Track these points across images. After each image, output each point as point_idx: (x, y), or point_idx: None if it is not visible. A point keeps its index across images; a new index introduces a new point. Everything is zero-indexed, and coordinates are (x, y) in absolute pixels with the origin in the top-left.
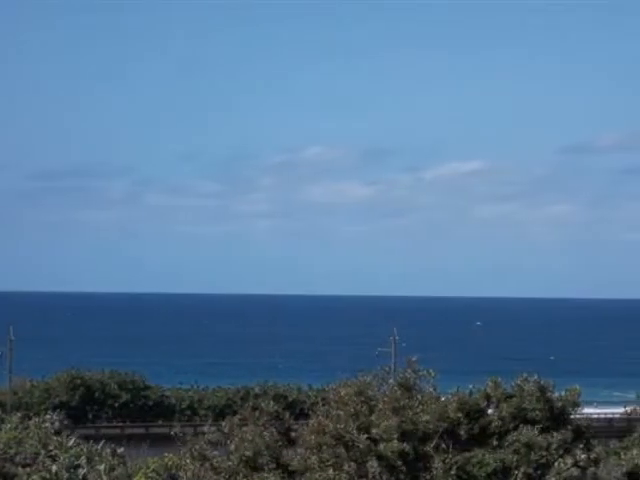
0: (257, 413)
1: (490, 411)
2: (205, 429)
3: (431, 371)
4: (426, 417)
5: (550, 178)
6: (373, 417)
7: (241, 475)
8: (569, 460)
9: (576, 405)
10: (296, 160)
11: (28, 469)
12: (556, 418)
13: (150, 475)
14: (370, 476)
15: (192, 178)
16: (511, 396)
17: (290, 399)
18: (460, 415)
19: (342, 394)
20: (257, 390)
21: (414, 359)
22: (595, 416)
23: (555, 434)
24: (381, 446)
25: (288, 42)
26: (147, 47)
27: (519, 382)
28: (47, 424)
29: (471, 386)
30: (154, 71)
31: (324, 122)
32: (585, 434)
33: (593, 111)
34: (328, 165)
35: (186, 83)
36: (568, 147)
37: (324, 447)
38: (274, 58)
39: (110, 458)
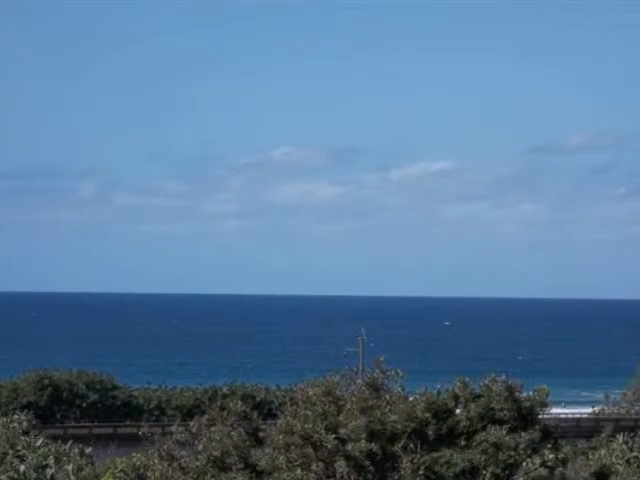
0: (225, 413)
1: (458, 411)
2: (173, 429)
3: (399, 371)
4: (394, 417)
5: (518, 178)
6: (341, 417)
7: (209, 475)
8: (537, 460)
9: (544, 405)
10: (265, 160)
11: None
12: (524, 418)
13: (118, 475)
14: (338, 476)
15: (160, 178)
16: (479, 396)
17: (258, 399)
18: (428, 415)
19: (310, 394)
20: (225, 390)
21: (382, 359)
22: (563, 416)
23: (523, 434)
24: (349, 446)
25: (257, 42)
26: (115, 46)
27: (487, 382)
28: (15, 424)
29: (439, 386)
30: (122, 70)
31: (293, 122)
32: (553, 434)
33: (561, 111)
34: (297, 165)
35: (154, 83)
36: (536, 147)
37: (292, 447)
38: (242, 58)
39: (78, 458)
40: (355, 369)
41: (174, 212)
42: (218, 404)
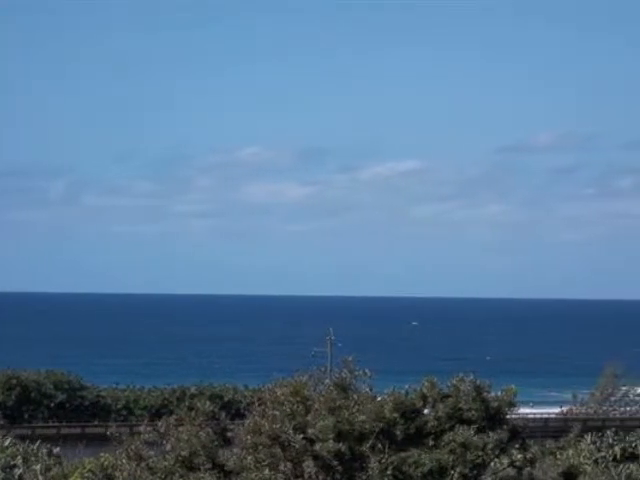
0: (193, 413)
1: (426, 411)
2: (141, 429)
3: (367, 371)
4: (362, 417)
5: (486, 178)
6: (309, 417)
7: (177, 475)
8: (505, 460)
9: (512, 405)
10: (233, 160)
11: None
12: (492, 418)
13: (86, 475)
14: (306, 476)
15: (129, 178)
16: (447, 396)
17: (226, 399)
18: (396, 415)
19: (278, 394)
20: (193, 390)
21: (350, 359)
22: (531, 416)
23: (491, 434)
24: (317, 446)
25: (223, 41)
26: (84, 46)
27: (455, 382)
28: None
29: (407, 386)
30: (90, 70)
31: (261, 122)
32: (521, 434)
33: (529, 111)
34: (265, 165)
35: (122, 83)
36: (505, 147)
37: (260, 447)
38: (210, 57)
39: (46, 458)
40: (323, 369)
41: (143, 212)
42: (186, 404)
